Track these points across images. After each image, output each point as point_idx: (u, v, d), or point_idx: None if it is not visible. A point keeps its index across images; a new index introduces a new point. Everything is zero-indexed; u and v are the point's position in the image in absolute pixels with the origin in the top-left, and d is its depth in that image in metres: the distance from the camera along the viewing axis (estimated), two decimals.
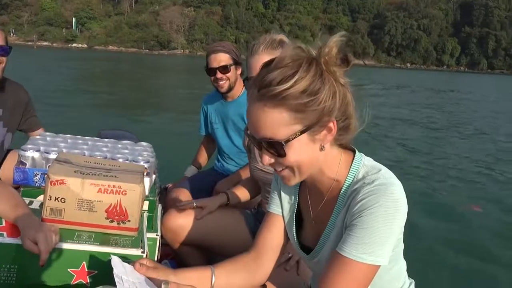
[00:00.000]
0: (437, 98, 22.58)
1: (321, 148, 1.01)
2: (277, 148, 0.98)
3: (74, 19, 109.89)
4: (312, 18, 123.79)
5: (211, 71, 2.55)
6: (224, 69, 2.53)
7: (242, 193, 2.00)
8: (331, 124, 0.98)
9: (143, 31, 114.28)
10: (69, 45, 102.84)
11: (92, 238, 1.24)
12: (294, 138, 0.96)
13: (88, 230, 1.26)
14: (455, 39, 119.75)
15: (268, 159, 1.01)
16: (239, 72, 2.61)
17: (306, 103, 0.94)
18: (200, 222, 1.84)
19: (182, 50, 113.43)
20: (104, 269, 1.15)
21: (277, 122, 0.95)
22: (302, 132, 0.96)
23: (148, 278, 1.03)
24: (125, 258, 1.11)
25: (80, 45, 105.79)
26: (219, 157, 2.82)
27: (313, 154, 1.01)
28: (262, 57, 1.63)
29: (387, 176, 1.02)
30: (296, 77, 0.93)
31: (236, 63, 2.58)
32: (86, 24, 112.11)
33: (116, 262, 1.00)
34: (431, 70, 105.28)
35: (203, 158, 2.92)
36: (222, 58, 2.54)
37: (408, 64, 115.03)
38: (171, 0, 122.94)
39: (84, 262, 1.19)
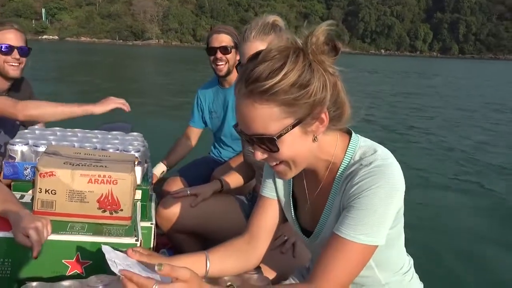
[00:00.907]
0: (409, 83, 23.16)
1: (314, 139, 1.00)
2: (269, 143, 0.96)
3: (43, 10, 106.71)
4: (287, 5, 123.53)
5: (212, 50, 2.53)
6: (225, 49, 2.50)
7: (236, 179, 2.00)
8: (323, 115, 0.97)
9: (116, 21, 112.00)
10: (39, 37, 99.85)
11: (85, 228, 1.24)
12: (286, 132, 0.94)
13: (81, 221, 1.26)
14: (427, 25, 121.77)
15: (260, 154, 1.00)
16: (238, 57, 2.52)
17: (297, 96, 0.91)
18: (195, 210, 1.84)
19: (157, 40, 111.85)
20: (98, 259, 1.16)
21: (267, 117, 0.93)
22: (294, 125, 0.94)
23: (141, 263, 1.04)
24: (118, 247, 1.12)
25: (51, 37, 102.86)
26: (215, 144, 2.80)
27: (306, 146, 1.00)
28: (254, 44, 1.61)
29: (384, 157, 1.01)
30: (284, 70, 0.90)
31: (237, 47, 2.51)
32: (56, 15, 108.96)
33: (107, 249, 1.03)
34: (405, 56, 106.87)
35: (177, 155, 2.73)
36: (223, 39, 2.52)
37: (383, 51, 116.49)
38: None
39: (78, 252, 1.20)
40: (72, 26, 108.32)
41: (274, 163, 1.02)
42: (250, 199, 2.02)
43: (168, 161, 2.66)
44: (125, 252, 1.06)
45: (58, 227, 1.22)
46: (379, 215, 0.97)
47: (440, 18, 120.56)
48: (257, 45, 1.59)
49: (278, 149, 0.96)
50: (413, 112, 12.19)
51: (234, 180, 1.99)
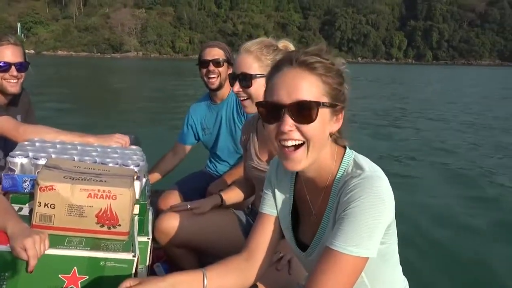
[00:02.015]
0: (387, 89, 23.82)
1: (328, 137, 1.06)
2: (310, 110, 1.00)
3: (18, 24, 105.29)
4: (264, 16, 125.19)
5: (204, 63, 2.55)
6: (217, 63, 2.52)
7: (236, 194, 1.99)
8: (340, 115, 1.07)
9: (93, 34, 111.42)
10: None
11: (83, 243, 1.23)
12: (326, 105, 1.02)
13: (79, 236, 1.26)
14: (402, 33, 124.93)
15: (289, 125, 1.01)
16: (229, 71, 2.54)
17: (339, 82, 1.04)
18: (192, 224, 1.84)
19: (136, 53, 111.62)
20: (95, 274, 1.17)
21: (314, 87, 1.01)
22: (331, 104, 1.03)
23: None
24: (116, 263, 1.14)
25: (27, 51, 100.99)
26: (211, 158, 2.79)
27: (325, 135, 1.05)
28: (247, 55, 1.69)
29: (373, 170, 1.04)
30: (334, 60, 1.06)
31: (229, 61, 2.57)
32: (32, 29, 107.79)
33: None
34: (381, 63, 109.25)
35: (160, 171, 2.70)
36: (216, 53, 2.55)
37: (360, 59, 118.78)
38: (122, 2, 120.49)
39: (75, 267, 1.18)
40: (49, 40, 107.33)
41: (295, 143, 1.04)
42: (249, 214, 2.00)
43: (151, 177, 2.62)
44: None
45: (56, 241, 1.21)
46: (368, 226, 0.98)
47: (413, 26, 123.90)
48: (248, 58, 1.68)
49: (314, 119, 1.01)
50: (402, 118, 12.43)
51: (234, 195, 1.98)
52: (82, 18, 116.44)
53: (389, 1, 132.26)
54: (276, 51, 1.67)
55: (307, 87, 1.01)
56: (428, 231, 4.28)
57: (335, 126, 1.06)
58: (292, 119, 1.01)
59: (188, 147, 2.78)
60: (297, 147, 1.04)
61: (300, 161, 1.05)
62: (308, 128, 1.01)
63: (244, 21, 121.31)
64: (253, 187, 1.95)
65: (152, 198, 2.26)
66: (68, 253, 1.19)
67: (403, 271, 1.23)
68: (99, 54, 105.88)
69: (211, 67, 2.53)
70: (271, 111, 1.04)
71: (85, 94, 16.30)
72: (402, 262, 1.19)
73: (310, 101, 1.00)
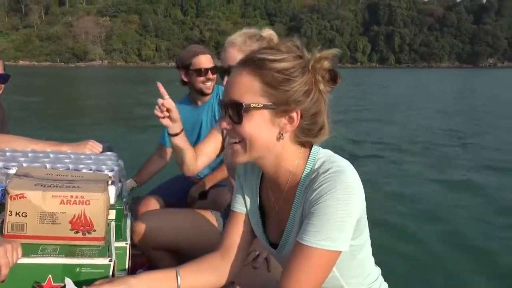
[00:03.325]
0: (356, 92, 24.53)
1: (279, 137, 1.03)
2: (237, 111, 1.00)
3: None
4: (231, 23, 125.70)
5: (203, 71, 2.51)
6: (214, 69, 2.53)
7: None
8: (294, 114, 1.01)
9: (56, 43, 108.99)
10: None
11: (57, 250, 1.22)
12: (256, 107, 0.99)
13: (53, 243, 1.24)
14: (365, 38, 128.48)
15: (225, 124, 1.03)
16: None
17: (280, 81, 0.98)
18: (171, 225, 1.85)
19: (101, 61, 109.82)
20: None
21: (247, 88, 1.00)
22: (266, 106, 0.99)
23: None
24: (92, 268, 1.14)
25: None
26: None
27: (269, 136, 1.03)
28: (234, 48, 1.69)
29: (341, 164, 1.04)
30: (282, 56, 1.00)
31: None
32: None
33: (69, 282, 1.06)
34: (346, 67, 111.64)
35: (148, 172, 2.73)
36: (210, 60, 2.56)
37: None
38: (85, 10, 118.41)
39: (50, 275, 1.18)
40: (9, 50, 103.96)
41: (233, 140, 1.05)
42: (226, 214, 1.99)
43: (139, 178, 2.68)
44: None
45: (29, 250, 1.20)
46: (338, 219, 0.98)
47: (376, 30, 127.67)
48: (232, 50, 1.69)
49: (241, 121, 1.00)
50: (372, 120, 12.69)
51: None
52: (44, 27, 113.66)
53: (353, 7, 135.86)
54: (260, 40, 1.67)
55: (241, 86, 1.00)
56: (398, 220, 4.46)
57: (286, 128, 1.02)
58: (229, 117, 1.03)
59: (171, 149, 2.79)
60: (235, 142, 1.05)
61: (238, 154, 1.06)
62: (239, 128, 1.01)
63: (211, 28, 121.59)
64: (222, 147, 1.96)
65: (132, 204, 2.27)
66: (42, 261, 1.18)
67: (376, 260, 1.23)
68: (62, 63, 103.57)
69: (210, 75, 2.53)
70: (221, 106, 1.07)
71: (51, 105, 15.88)
72: (375, 251, 1.19)
73: (236, 102, 1.00)
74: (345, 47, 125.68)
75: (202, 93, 2.58)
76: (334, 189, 0.99)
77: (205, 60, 2.54)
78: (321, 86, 1.02)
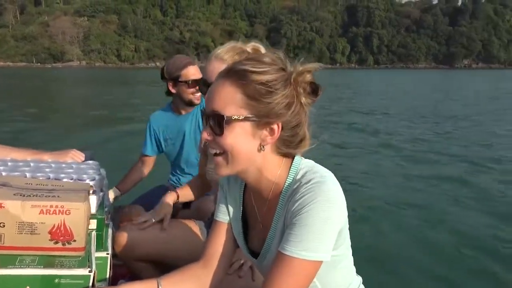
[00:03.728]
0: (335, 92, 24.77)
1: (260, 148, 1.03)
2: (218, 122, 1.00)
3: None
4: (211, 24, 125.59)
5: (195, 82, 2.49)
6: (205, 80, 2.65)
7: (192, 190, 2.03)
8: (275, 126, 1.01)
9: (32, 43, 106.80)
10: None
11: (36, 261, 1.20)
12: (237, 119, 0.99)
13: (32, 254, 1.22)
14: (344, 39, 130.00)
15: (207, 135, 1.04)
16: None
17: (262, 93, 0.99)
18: (153, 236, 1.83)
19: (79, 62, 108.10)
20: None
21: (229, 98, 1.00)
22: (247, 118, 0.99)
23: None
24: (72, 279, 1.13)
25: None
26: (173, 172, 2.75)
27: (250, 148, 1.03)
28: (217, 62, 1.68)
29: (323, 174, 1.05)
30: (265, 69, 1.00)
31: None
32: None
33: None
34: (326, 68, 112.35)
35: (131, 181, 2.72)
36: (198, 70, 2.53)
37: None
38: (61, 10, 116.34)
39: (28, 287, 1.15)
40: None
41: (215, 151, 1.05)
42: (209, 224, 1.98)
43: (122, 186, 2.67)
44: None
45: (7, 261, 1.18)
46: (319, 230, 0.99)
47: (355, 32, 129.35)
48: (219, 65, 1.63)
49: (222, 132, 1.00)
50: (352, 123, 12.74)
51: (190, 191, 2.02)
52: (19, 27, 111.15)
53: (332, 8, 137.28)
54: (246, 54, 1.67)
55: (223, 97, 1.01)
56: (378, 229, 4.47)
57: (267, 140, 1.03)
58: (210, 128, 1.03)
59: (153, 158, 2.76)
60: (217, 154, 1.05)
61: (221, 167, 1.06)
62: (220, 140, 1.02)
63: (191, 29, 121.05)
64: (208, 185, 1.99)
65: (113, 214, 2.24)
66: (20, 273, 1.15)
67: (357, 269, 1.24)
68: (39, 64, 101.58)
69: (202, 86, 2.60)
70: (203, 115, 1.07)
71: (28, 108, 15.42)
72: (356, 260, 1.21)
73: (218, 114, 1.00)
74: (325, 48, 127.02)
75: (191, 104, 2.56)
76: (315, 200, 0.99)
77: (194, 71, 2.53)
78: (303, 99, 1.03)
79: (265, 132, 1.02)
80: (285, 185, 1.09)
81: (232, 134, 1.00)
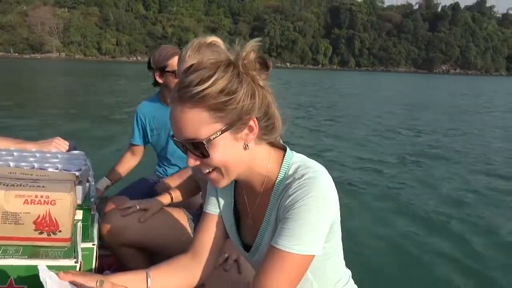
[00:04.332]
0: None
1: (245, 147, 1.03)
2: (200, 148, 0.99)
3: None
4: (194, 20, 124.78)
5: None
6: None
7: (182, 193, 2.01)
8: (251, 123, 1.01)
9: (10, 33, 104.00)
10: None
11: (20, 252, 1.19)
12: (216, 137, 0.98)
13: (16, 244, 1.21)
14: (327, 40, 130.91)
15: (193, 161, 1.03)
16: None
17: (224, 102, 0.96)
18: (141, 224, 1.81)
19: (58, 54, 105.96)
20: (34, 283, 1.12)
21: (197, 122, 0.97)
22: (223, 130, 0.98)
23: (75, 285, 1.02)
24: (57, 270, 1.08)
25: None
26: (160, 163, 2.75)
27: (237, 153, 1.03)
28: (189, 63, 1.59)
29: (316, 169, 1.05)
30: (213, 78, 0.96)
31: None
32: None
33: (42, 268, 1.01)
34: (308, 69, 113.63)
35: (121, 170, 2.73)
36: None
37: (288, 64, 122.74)
38: (41, 0, 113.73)
39: (12, 277, 1.14)
40: None
41: (207, 170, 1.04)
42: (198, 215, 2.00)
43: (112, 176, 2.67)
44: (57, 273, 1.02)
45: None
46: (312, 224, 1.00)
47: (337, 34, 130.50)
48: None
49: (208, 155, 0.99)
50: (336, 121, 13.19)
51: (182, 192, 2.01)
52: None
53: (315, 9, 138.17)
54: (209, 47, 1.70)
55: (190, 123, 0.98)
56: (365, 221, 4.62)
57: (249, 137, 1.03)
58: (193, 153, 1.02)
59: (142, 147, 2.76)
60: (210, 172, 1.05)
61: (219, 181, 1.06)
62: (209, 160, 1.01)
63: (174, 24, 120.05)
64: (199, 187, 2.00)
65: (99, 205, 2.24)
66: (3, 263, 1.14)
67: (347, 262, 1.25)
68: (16, 54, 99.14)
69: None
70: (177, 144, 1.04)
71: (7, 98, 15.12)
72: (344, 253, 1.22)
73: (195, 142, 0.99)
74: (307, 48, 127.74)
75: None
76: (308, 195, 1.00)
77: (185, 63, 2.44)
78: (259, 81, 1.02)
79: (245, 131, 1.02)
80: (277, 180, 1.09)
81: (218, 151, 1.00)
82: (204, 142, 0.98)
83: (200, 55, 1.65)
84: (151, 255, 1.92)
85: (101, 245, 1.50)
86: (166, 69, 2.53)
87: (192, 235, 1.86)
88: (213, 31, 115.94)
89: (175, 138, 1.03)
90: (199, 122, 0.97)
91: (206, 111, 0.97)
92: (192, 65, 1.02)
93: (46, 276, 0.97)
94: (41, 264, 1.02)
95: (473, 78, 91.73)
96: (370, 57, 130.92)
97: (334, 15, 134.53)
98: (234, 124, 0.99)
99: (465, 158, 8.19)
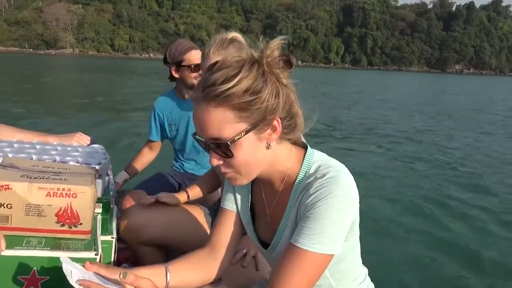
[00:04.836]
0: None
1: (267, 147, 1.03)
2: (224, 148, 0.99)
3: None
4: (207, 17, 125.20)
5: (198, 67, 2.48)
6: None
7: (202, 188, 2.02)
8: (275, 123, 1.01)
9: (25, 28, 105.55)
10: None
11: (42, 243, 1.21)
12: (240, 137, 0.98)
13: (38, 236, 1.23)
14: (339, 39, 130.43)
15: (216, 160, 1.02)
16: None
17: (249, 101, 0.96)
18: (159, 220, 1.83)
19: (72, 50, 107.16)
20: (55, 274, 1.14)
21: (221, 121, 0.96)
22: (247, 131, 0.98)
23: (99, 276, 1.05)
24: (77, 262, 1.09)
25: None
26: (177, 157, 2.75)
27: (260, 153, 1.03)
28: (213, 60, 1.55)
29: (337, 169, 1.05)
30: (238, 77, 0.95)
31: None
32: None
33: (65, 259, 1.03)
34: (320, 67, 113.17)
35: (139, 165, 2.74)
36: (200, 54, 2.42)
37: (300, 62, 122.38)
38: None
39: (35, 268, 1.17)
40: None
41: (228, 170, 1.04)
42: (215, 211, 1.97)
43: (131, 170, 2.69)
44: (82, 265, 1.04)
45: (14, 242, 1.19)
46: (334, 224, 1.00)
47: (350, 32, 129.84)
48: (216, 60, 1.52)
49: (232, 155, 0.99)
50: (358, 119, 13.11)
51: (199, 190, 2.01)
52: (12, 11, 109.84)
53: (328, 8, 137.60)
54: (231, 43, 1.71)
55: (215, 122, 0.97)
56: (382, 219, 4.54)
57: (272, 137, 1.03)
58: (216, 153, 1.02)
59: (159, 143, 2.77)
60: (229, 172, 1.05)
61: (236, 180, 1.06)
62: (233, 160, 1.01)
63: (186, 22, 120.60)
64: (219, 182, 2.00)
65: (117, 199, 2.23)
66: (26, 254, 1.17)
67: (363, 258, 1.25)
68: (31, 49, 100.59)
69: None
70: (200, 142, 1.04)
71: (24, 92, 15.40)
72: (361, 251, 1.22)
73: (219, 141, 0.98)
74: (319, 47, 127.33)
75: (191, 88, 2.54)
76: (331, 195, 1.00)
77: (197, 56, 2.51)
78: (282, 79, 1.01)
79: (268, 131, 1.02)
80: (297, 178, 1.09)
81: (242, 152, 1.00)
82: (228, 142, 0.97)
83: (223, 50, 1.65)
84: (168, 252, 1.94)
85: (118, 239, 1.51)
86: (182, 64, 2.53)
87: (209, 230, 1.88)
88: (225, 28, 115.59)
89: (197, 136, 1.03)
90: (224, 122, 0.97)
91: (230, 111, 0.96)
92: (216, 62, 1.01)
93: (70, 267, 0.99)
94: (64, 257, 1.03)
95: (488, 78, 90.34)
96: (382, 56, 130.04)
97: (347, 14, 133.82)
98: (258, 124, 0.99)
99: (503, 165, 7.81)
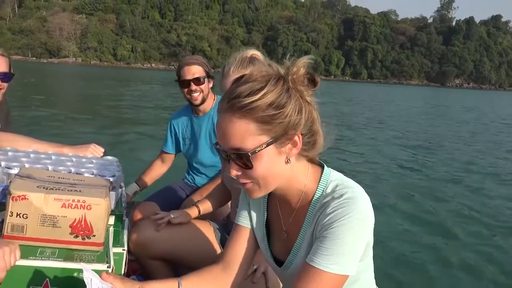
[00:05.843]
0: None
1: (287, 161, 1.04)
2: (244, 159, 1.00)
3: None
4: (208, 29, 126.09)
5: (185, 83, 2.55)
6: (198, 80, 2.53)
7: (211, 203, 2.03)
8: (296, 138, 1.01)
9: (29, 37, 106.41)
10: None
11: (56, 254, 1.21)
12: (261, 149, 0.99)
13: (52, 246, 1.23)
14: (340, 52, 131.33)
15: (235, 171, 1.03)
16: (211, 85, 2.63)
17: (273, 115, 0.97)
18: (168, 235, 1.84)
19: (74, 59, 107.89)
20: (68, 285, 1.15)
21: (244, 132, 0.98)
22: (268, 143, 0.99)
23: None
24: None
25: None
26: (189, 170, 2.80)
27: (279, 167, 1.03)
28: (233, 77, 1.55)
29: (355, 190, 1.05)
30: (263, 91, 0.97)
31: (208, 75, 2.59)
32: None
33: (86, 267, 1.04)
34: (321, 79, 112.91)
35: (149, 178, 2.80)
36: (195, 70, 2.55)
37: None
38: (60, 6, 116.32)
39: (48, 279, 1.16)
40: None
41: (246, 181, 1.05)
42: (225, 225, 2.02)
43: (141, 182, 2.74)
44: (99, 274, 1.06)
45: (28, 252, 1.18)
46: (350, 245, 1.00)
47: (350, 45, 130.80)
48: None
49: (252, 166, 1.00)
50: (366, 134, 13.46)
51: (210, 204, 2.04)
52: (17, 20, 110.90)
53: (329, 21, 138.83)
54: (251, 61, 1.73)
55: (237, 133, 0.99)
56: (393, 238, 4.62)
57: (292, 152, 1.04)
58: (237, 165, 1.03)
59: (173, 156, 2.85)
60: (247, 182, 1.06)
61: (254, 193, 1.07)
62: (252, 172, 1.02)
63: (188, 33, 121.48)
64: (228, 195, 2.02)
65: (128, 210, 2.23)
66: (40, 264, 1.16)
67: (376, 278, 1.27)
68: (34, 58, 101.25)
69: (193, 87, 2.55)
70: (221, 152, 1.05)
71: (29, 102, 15.45)
72: (375, 270, 1.24)
73: (241, 152, 0.99)
74: (320, 59, 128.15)
75: (192, 104, 2.65)
76: (347, 216, 1.00)
77: (186, 72, 2.57)
78: (306, 97, 1.03)
79: (288, 146, 1.03)
80: (314, 197, 1.09)
81: (261, 164, 1.01)
82: (249, 153, 0.99)
83: (243, 69, 1.67)
84: (176, 266, 1.97)
85: (128, 251, 1.54)
86: (177, 80, 2.63)
87: (218, 245, 1.91)
88: (227, 40, 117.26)
89: (218, 146, 1.04)
90: (246, 133, 0.98)
91: (253, 123, 0.98)
92: (242, 76, 1.03)
93: (91, 275, 1.01)
94: (85, 265, 1.05)
95: (487, 92, 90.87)
96: (382, 69, 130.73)
97: (348, 27, 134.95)
98: (280, 138, 1.00)
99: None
